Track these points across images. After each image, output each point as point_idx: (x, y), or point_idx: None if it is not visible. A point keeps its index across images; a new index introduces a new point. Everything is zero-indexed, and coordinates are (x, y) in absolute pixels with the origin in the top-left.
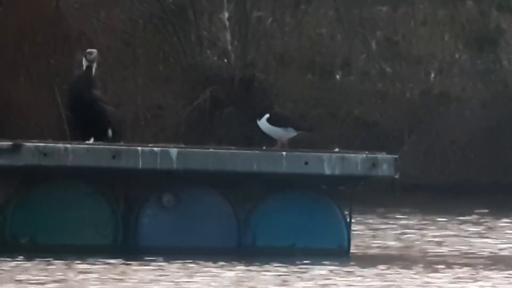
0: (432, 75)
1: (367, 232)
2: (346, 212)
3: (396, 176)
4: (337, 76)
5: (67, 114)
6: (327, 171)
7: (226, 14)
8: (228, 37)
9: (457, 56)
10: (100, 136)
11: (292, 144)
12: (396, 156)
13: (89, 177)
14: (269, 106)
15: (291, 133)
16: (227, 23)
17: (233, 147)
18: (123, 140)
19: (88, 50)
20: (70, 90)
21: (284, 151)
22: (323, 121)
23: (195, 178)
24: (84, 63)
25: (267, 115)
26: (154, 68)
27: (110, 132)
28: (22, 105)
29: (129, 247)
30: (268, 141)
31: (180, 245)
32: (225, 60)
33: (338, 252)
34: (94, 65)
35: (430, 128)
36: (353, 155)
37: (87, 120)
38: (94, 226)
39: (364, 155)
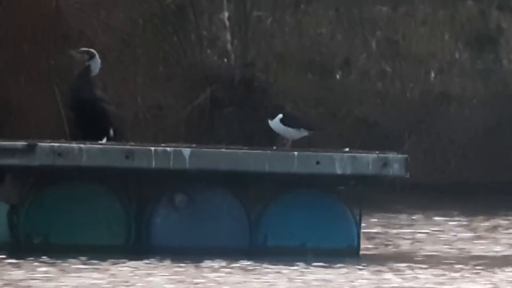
0: (432, 74)
1: (370, 231)
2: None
3: (407, 176)
4: (337, 76)
5: (68, 113)
6: (339, 171)
7: (226, 14)
8: (228, 36)
9: (457, 55)
10: (102, 136)
11: (294, 144)
12: (407, 156)
13: (102, 177)
14: (280, 106)
15: (303, 133)
16: (227, 23)
17: (245, 147)
18: (124, 140)
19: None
20: (71, 89)
21: (295, 151)
22: (323, 121)
23: (207, 178)
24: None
25: (280, 116)
26: (154, 68)
27: (111, 132)
28: (22, 105)
29: (142, 247)
30: (268, 140)
31: (191, 245)
32: (225, 60)
33: (348, 252)
34: (91, 64)
35: (430, 128)
36: (364, 154)
37: (89, 120)
38: (107, 226)
39: (375, 155)
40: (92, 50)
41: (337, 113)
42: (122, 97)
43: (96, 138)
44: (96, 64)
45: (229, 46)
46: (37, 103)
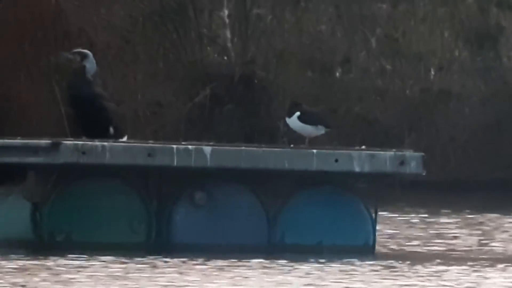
0: (432, 72)
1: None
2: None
3: (424, 174)
4: (337, 73)
5: (68, 111)
6: (357, 169)
7: (226, 11)
8: (228, 34)
9: (457, 53)
10: (102, 134)
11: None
12: (424, 153)
13: (123, 175)
14: (297, 104)
15: (321, 130)
16: (227, 20)
17: (263, 145)
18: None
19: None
20: (68, 88)
21: (314, 149)
22: None
23: (226, 176)
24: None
25: (298, 113)
26: (154, 65)
27: (111, 130)
28: (22, 102)
29: (162, 244)
30: (268, 137)
31: (211, 242)
32: (225, 57)
33: (364, 249)
34: (85, 64)
35: (430, 125)
36: (382, 152)
37: (88, 117)
38: (128, 224)
39: (393, 153)
40: (85, 50)
41: (337, 111)
42: (122, 94)
43: (97, 135)
44: (91, 64)
45: (229, 44)
46: (37, 100)
